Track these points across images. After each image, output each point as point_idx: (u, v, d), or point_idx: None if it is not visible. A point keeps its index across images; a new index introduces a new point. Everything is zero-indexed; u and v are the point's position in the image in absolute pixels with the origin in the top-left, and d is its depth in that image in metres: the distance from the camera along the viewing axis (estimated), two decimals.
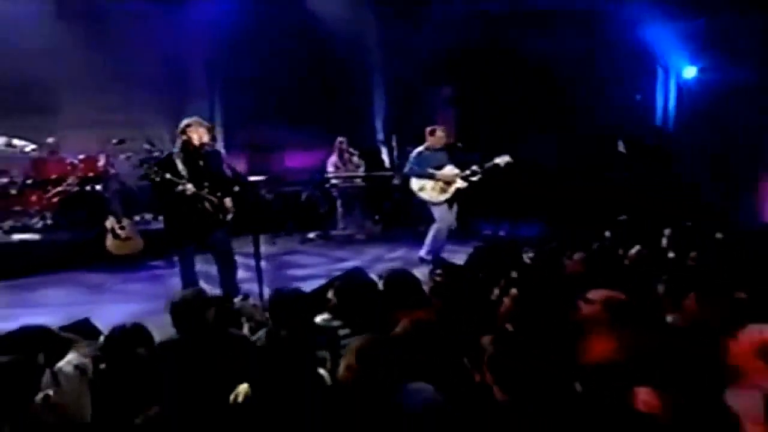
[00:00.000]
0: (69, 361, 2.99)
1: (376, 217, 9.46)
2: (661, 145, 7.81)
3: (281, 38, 10.29)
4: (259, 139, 10.78)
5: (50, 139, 8.10)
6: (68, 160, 8.00)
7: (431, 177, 6.64)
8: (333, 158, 9.20)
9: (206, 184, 5.20)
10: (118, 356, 3.17)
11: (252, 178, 10.22)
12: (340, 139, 9.23)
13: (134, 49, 9.59)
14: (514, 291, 3.90)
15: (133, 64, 9.47)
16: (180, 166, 5.10)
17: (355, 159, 9.21)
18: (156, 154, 7.59)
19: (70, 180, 7.80)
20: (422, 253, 6.67)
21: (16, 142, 7.81)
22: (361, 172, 9.21)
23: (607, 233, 6.18)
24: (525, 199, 8.40)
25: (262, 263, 5.48)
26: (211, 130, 5.60)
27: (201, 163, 5.21)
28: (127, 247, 7.02)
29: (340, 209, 9.28)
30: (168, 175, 4.91)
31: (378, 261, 7.05)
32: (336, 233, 9.02)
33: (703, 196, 7.47)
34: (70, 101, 8.94)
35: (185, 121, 5.23)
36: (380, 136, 11.77)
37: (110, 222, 7.07)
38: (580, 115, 8.60)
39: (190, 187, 4.96)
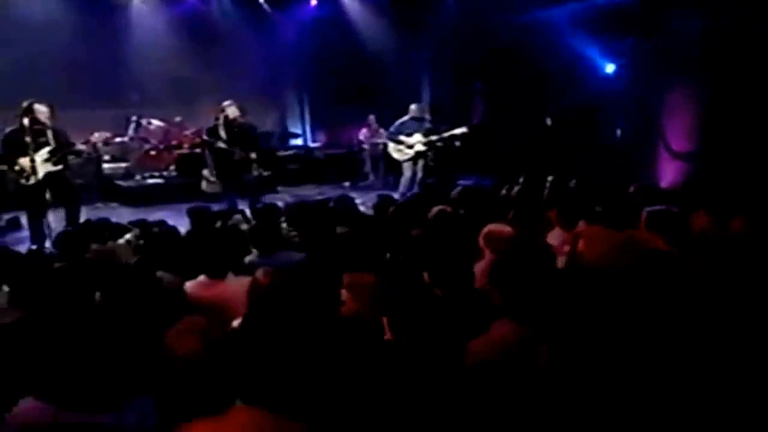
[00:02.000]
0: (125, 237, 4.37)
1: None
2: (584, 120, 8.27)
3: (351, 48, 11.48)
4: (335, 119, 12.09)
5: (177, 119, 9.79)
6: (184, 133, 9.66)
7: (399, 142, 7.68)
8: (364, 130, 10.39)
9: (238, 144, 6.61)
10: (148, 236, 4.30)
11: (313, 144, 11.73)
12: (370, 116, 10.31)
13: (243, 59, 11.16)
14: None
15: (243, 69, 11.00)
16: (222, 132, 6.57)
17: (381, 131, 10.06)
18: None
19: (185, 146, 9.55)
20: (397, 195, 7.75)
21: (154, 121, 9.56)
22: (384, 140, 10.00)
23: (521, 179, 6.88)
24: (491, 160, 9.22)
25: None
26: (242, 109, 6.82)
27: (235, 129, 6.61)
28: (214, 188, 8.47)
29: (369, 166, 10.39)
30: (205, 137, 6.39)
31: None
32: (364, 184, 10.18)
33: (613, 157, 7.97)
34: (190, 94, 10.48)
35: (224, 103, 6.63)
36: (427, 116, 12.66)
37: (205, 171, 8.64)
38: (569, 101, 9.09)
39: (220, 144, 6.42)
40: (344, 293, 2.67)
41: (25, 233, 6.69)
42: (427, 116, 12.45)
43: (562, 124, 8.21)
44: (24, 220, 7.30)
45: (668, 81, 7.82)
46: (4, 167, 6.10)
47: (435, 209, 4.24)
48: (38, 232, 5.95)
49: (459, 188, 5.66)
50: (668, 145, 8.02)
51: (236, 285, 3.07)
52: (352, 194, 8.80)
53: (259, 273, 2.72)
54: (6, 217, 7.38)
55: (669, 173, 7.99)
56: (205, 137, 6.58)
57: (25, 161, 5.74)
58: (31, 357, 2.15)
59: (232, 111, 6.54)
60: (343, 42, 11.57)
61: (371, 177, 10.38)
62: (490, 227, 3.44)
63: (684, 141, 7.85)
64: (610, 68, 8.53)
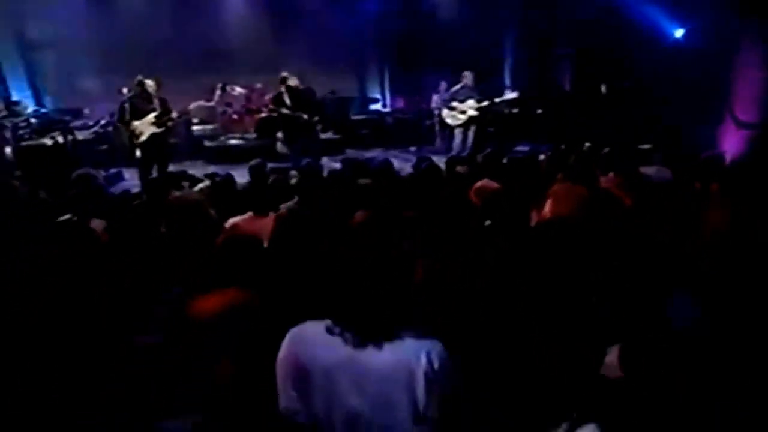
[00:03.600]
0: (199, 186, 5.61)
1: None
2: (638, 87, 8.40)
3: (433, 17, 12.21)
4: (414, 86, 12.70)
5: (258, 85, 10.89)
6: (264, 98, 10.62)
7: (452, 108, 8.30)
8: (435, 96, 10.87)
9: (302, 109, 7.56)
10: (215, 186, 5.45)
11: (388, 110, 12.47)
12: (442, 83, 10.85)
13: (326, 29, 12.10)
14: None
15: (326, 39, 11.94)
16: (286, 99, 7.55)
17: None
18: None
19: (264, 110, 10.67)
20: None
21: (237, 88, 10.73)
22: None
23: (562, 146, 7.37)
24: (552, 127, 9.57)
25: None
26: (300, 78, 7.73)
27: (298, 96, 7.56)
28: (285, 149, 9.52)
29: (438, 131, 10.92)
30: (271, 105, 7.41)
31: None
32: (430, 148, 10.68)
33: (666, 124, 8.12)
34: (277, 62, 10.77)
35: (283, 73, 7.61)
36: (507, 82, 13.07)
37: (280, 134, 9.56)
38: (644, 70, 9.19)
39: (284, 110, 7.41)
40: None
41: (125, 183, 8.18)
42: (508, 82, 13.00)
43: (618, 92, 8.41)
44: (126, 174, 8.87)
45: (739, 45, 7.82)
46: (122, 127, 7.72)
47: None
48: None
49: (484, 152, 6.23)
50: (734, 114, 8.07)
51: (272, 220, 4.04)
52: (412, 158, 9.64)
53: (283, 210, 3.71)
54: (112, 170, 8.94)
55: (732, 143, 8.05)
56: (271, 106, 7.63)
57: (137, 123, 7.25)
58: (115, 262, 3.33)
59: (293, 80, 7.50)
60: (425, 12, 12.20)
61: (437, 142, 10.92)
62: (481, 182, 4.15)
63: (752, 110, 7.88)
64: (679, 33, 8.58)
